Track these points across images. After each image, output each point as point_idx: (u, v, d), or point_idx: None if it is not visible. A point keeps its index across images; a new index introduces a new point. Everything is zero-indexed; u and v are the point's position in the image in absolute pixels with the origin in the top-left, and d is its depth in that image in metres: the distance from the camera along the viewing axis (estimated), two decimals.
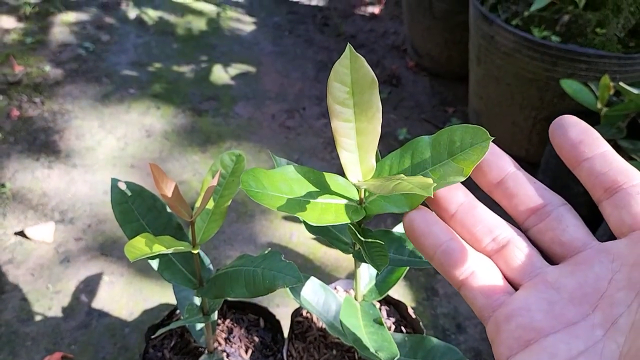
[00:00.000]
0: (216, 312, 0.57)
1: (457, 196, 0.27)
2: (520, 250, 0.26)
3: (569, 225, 0.25)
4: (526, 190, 0.26)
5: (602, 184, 0.24)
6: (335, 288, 0.74)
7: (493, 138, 0.28)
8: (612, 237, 0.26)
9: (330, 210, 0.33)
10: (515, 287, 0.26)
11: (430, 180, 0.26)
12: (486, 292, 0.25)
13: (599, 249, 0.24)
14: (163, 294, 1.00)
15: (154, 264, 0.51)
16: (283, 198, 0.32)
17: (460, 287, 0.26)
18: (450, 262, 0.26)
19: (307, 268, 1.06)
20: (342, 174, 0.35)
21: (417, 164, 0.32)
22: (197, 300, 0.61)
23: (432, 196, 0.28)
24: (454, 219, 0.27)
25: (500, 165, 0.27)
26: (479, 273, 0.26)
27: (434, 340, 0.57)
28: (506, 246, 0.26)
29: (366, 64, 0.31)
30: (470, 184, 0.28)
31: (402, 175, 0.30)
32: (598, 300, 0.23)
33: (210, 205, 0.50)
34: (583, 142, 0.25)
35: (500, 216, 0.27)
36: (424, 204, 0.29)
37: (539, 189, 0.26)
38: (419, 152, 0.32)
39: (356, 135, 0.33)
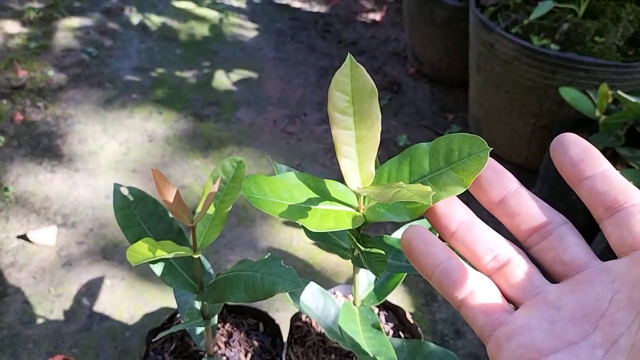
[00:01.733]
0: (216, 316, 0.58)
1: (457, 214, 0.27)
2: (520, 269, 0.26)
3: (570, 245, 0.25)
4: (528, 209, 0.26)
5: (603, 202, 0.25)
6: (335, 293, 0.74)
7: (491, 149, 0.28)
8: (609, 244, 0.26)
9: (330, 217, 0.33)
10: (515, 305, 0.26)
11: (429, 189, 0.27)
12: (486, 311, 0.25)
13: (599, 269, 0.24)
14: (164, 298, 1.01)
15: (157, 270, 0.51)
16: (284, 204, 0.32)
17: (459, 307, 0.26)
18: (449, 281, 0.26)
19: (306, 273, 1.06)
20: (342, 180, 0.35)
21: (415, 171, 0.32)
22: (198, 304, 0.62)
23: (432, 208, 0.28)
24: (454, 237, 0.27)
25: (502, 183, 0.27)
26: (478, 292, 0.26)
27: (432, 345, 0.57)
28: (507, 264, 0.26)
29: (366, 73, 0.32)
30: (471, 197, 0.28)
31: (402, 183, 0.30)
32: (598, 320, 0.23)
33: (211, 210, 0.51)
34: (584, 160, 0.25)
35: (500, 233, 0.27)
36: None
37: (541, 208, 0.26)
38: (417, 160, 0.32)
39: (356, 143, 0.33)
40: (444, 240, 0.27)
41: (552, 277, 0.26)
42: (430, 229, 0.30)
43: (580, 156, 0.25)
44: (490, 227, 0.28)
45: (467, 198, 0.28)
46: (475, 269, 0.27)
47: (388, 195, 0.28)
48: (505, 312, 0.25)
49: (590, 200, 0.25)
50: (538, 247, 0.26)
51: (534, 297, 0.25)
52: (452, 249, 0.27)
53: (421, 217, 0.30)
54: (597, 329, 0.23)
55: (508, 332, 0.24)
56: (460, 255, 0.27)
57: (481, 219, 0.28)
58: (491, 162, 0.27)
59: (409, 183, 0.32)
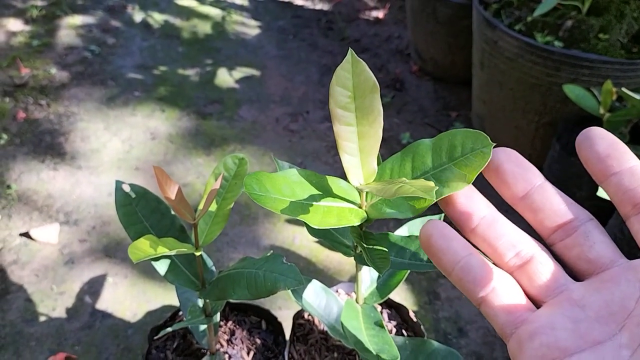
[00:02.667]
0: (218, 314, 0.58)
1: (478, 209, 0.26)
2: (544, 266, 0.25)
3: (596, 242, 0.25)
4: (552, 205, 0.25)
5: (631, 199, 0.24)
6: (337, 291, 0.74)
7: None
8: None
9: (332, 214, 0.33)
10: (538, 304, 0.25)
11: (432, 184, 0.26)
12: (507, 309, 0.25)
13: (626, 267, 0.24)
14: (166, 296, 1.01)
15: (159, 267, 0.51)
16: (286, 201, 0.32)
17: (480, 304, 0.25)
18: (470, 278, 0.25)
19: (309, 271, 1.06)
20: (344, 177, 0.35)
21: (418, 167, 0.32)
22: (200, 302, 0.62)
23: (453, 202, 0.27)
24: (475, 232, 0.26)
25: (526, 177, 0.26)
26: (499, 289, 0.25)
27: (435, 343, 0.57)
28: (529, 262, 0.25)
29: (367, 68, 0.31)
30: (481, 187, 0.28)
31: (404, 178, 0.30)
32: (625, 320, 0.22)
33: (213, 207, 0.51)
34: (611, 155, 0.24)
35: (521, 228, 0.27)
36: (445, 218, 0.28)
37: (566, 203, 0.26)
38: (420, 156, 0.32)
39: (358, 139, 0.33)
40: (463, 236, 0.27)
41: (576, 275, 0.25)
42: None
43: (607, 151, 0.24)
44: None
45: (481, 190, 0.27)
46: (497, 265, 0.26)
47: (390, 191, 0.28)
48: (528, 311, 0.25)
49: (617, 196, 0.24)
50: (562, 243, 0.25)
51: (557, 295, 0.25)
52: (472, 244, 0.26)
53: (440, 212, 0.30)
54: (624, 329, 0.22)
55: (530, 331, 0.23)
56: (480, 252, 0.26)
57: None
58: (516, 155, 0.26)
59: (412, 179, 0.32)
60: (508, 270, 0.26)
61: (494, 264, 0.26)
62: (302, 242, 1.12)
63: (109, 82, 1.56)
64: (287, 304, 1.00)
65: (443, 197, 0.28)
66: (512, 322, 0.24)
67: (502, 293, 0.25)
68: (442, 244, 0.25)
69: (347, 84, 0.32)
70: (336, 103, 0.32)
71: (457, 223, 0.27)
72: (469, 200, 0.27)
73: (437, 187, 0.28)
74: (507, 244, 0.26)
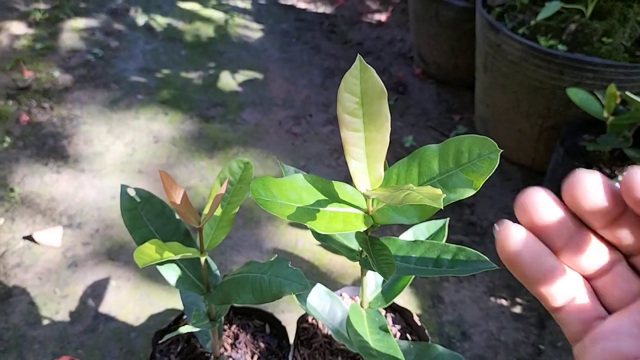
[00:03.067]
0: (222, 318, 0.58)
1: (565, 232, 0.25)
2: (622, 278, 0.25)
3: None
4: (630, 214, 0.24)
5: None
6: (341, 295, 0.74)
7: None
8: None
9: (338, 219, 0.33)
10: (611, 313, 0.25)
11: (439, 191, 0.26)
12: (582, 319, 0.24)
13: None
14: (170, 299, 1.01)
15: (164, 272, 0.51)
16: (292, 207, 0.32)
17: (555, 312, 0.25)
18: (550, 285, 0.24)
19: (312, 274, 1.06)
20: (348, 181, 0.35)
21: (424, 173, 0.32)
22: (204, 306, 0.62)
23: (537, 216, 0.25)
24: (560, 251, 0.25)
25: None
26: (577, 299, 0.25)
27: (439, 347, 0.57)
28: (608, 272, 0.25)
29: (375, 74, 0.31)
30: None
31: (411, 185, 0.30)
32: None
33: (218, 212, 0.51)
34: None
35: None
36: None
37: None
38: (426, 162, 0.32)
39: (365, 145, 0.33)
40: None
41: None
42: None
43: None
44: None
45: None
46: (577, 273, 0.25)
47: (398, 198, 0.28)
48: (601, 319, 0.24)
49: None
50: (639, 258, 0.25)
51: (629, 304, 0.24)
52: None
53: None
54: None
55: (595, 335, 0.23)
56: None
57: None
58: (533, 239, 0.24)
59: (418, 185, 0.32)
60: (586, 278, 0.25)
61: (574, 271, 0.25)
62: (304, 246, 1.12)
63: (112, 85, 1.57)
64: (291, 308, 1.00)
65: (521, 207, 0.25)
66: (584, 330, 0.24)
67: (580, 303, 0.25)
68: (529, 260, 0.24)
69: (355, 90, 0.32)
70: (344, 109, 0.32)
71: (542, 239, 0.25)
72: (558, 221, 0.25)
73: (445, 195, 0.28)
74: (588, 255, 0.25)
